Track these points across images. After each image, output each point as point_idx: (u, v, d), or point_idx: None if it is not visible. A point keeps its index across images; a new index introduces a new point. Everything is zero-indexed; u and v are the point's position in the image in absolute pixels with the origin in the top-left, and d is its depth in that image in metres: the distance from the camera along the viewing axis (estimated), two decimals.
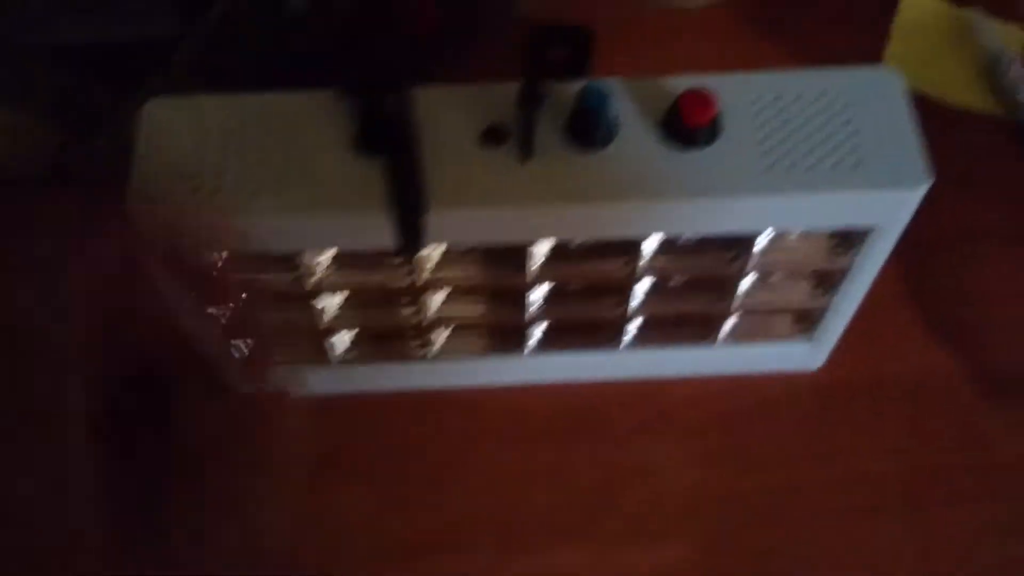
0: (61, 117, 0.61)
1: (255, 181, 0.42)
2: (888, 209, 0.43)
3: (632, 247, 0.46)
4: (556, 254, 0.47)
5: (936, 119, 0.67)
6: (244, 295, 0.44)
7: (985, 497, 0.54)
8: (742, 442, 0.55)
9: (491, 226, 0.43)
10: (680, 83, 0.44)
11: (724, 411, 0.56)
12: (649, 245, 0.47)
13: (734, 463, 0.55)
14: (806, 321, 0.54)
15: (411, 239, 0.40)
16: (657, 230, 0.45)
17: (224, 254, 0.44)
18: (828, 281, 0.50)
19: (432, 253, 0.47)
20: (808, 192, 0.42)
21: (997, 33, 0.70)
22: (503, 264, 0.48)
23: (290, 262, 0.45)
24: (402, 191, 0.40)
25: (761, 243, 0.46)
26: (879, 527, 0.53)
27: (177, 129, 0.44)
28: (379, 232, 0.41)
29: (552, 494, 0.54)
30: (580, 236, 0.45)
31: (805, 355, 0.56)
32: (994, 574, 0.51)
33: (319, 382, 0.55)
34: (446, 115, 0.44)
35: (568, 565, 0.52)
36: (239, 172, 0.42)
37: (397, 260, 0.46)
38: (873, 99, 0.44)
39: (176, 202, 0.42)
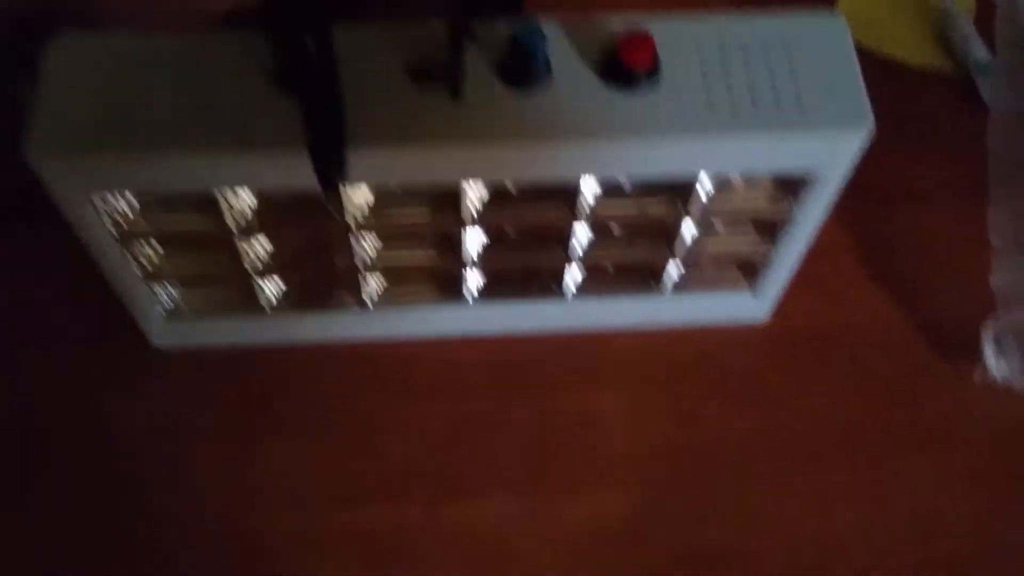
0: None
1: (169, 120, 0.40)
2: (829, 153, 0.43)
3: (571, 192, 0.45)
4: (494, 199, 0.46)
5: (886, 75, 0.67)
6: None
7: (930, 447, 0.54)
8: (685, 393, 0.55)
9: (418, 165, 0.42)
10: (620, 23, 0.43)
11: (667, 362, 0.56)
12: (589, 190, 0.45)
13: (676, 414, 0.54)
14: (750, 271, 0.53)
15: (331, 175, 0.39)
16: (594, 172, 0.43)
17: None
18: (771, 230, 0.49)
19: (364, 196, 0.45)
20: (748, 133, 0.41)
21: None
22: (438, 209, 0.46)
23: (214, 204, 0.44)
24: (321, 126, 0.38)
25: (703, 189, 0.45)
26: (821, 476, 0.53)
27: (84, 69, 0.41)
28: (299, 170, 0.40)
29: (489, 445, 0.53)
30: (514, 178, 0.44)
31: (750, 306, 0.55)
32: (936, 522, 0.51)
33: (251, 332, 0.54)
34: (375, 53, 0.42)
35: (504, 514, 0.51)
36: (151, 111, 0.40)
37: (327, 203, 0.44)
38: (817, 44, 0.43)
39: (78, 143, 0.40)
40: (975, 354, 0.54)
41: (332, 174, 0.39)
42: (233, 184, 0.43)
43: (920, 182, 0.63)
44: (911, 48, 0.68)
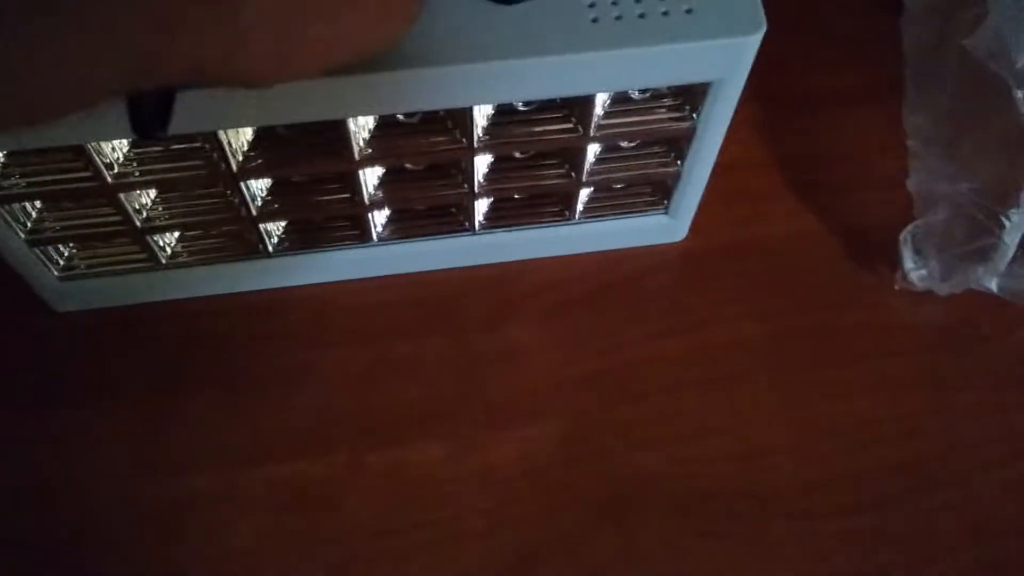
0: None
1: None
2: (725, 60, 0.41)
3: (464, 118, 0.43)
4: (382, 130, 0.44)
5: None
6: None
7: (851, 357, 0.53)
8: (605, 319, 0.54)
9: (292, 101, 0.39)
10: None
11: (587, 290, 0.54)
12: (481, 115, 0.43)
13: (599, 341, 0.53)
14: (662, 191, 0.52)
15: (151, 125, 0.34)
16: (481, 98, 0.41)
17: None
18: (677, 145, 0.48)
19: (245, 137, 0.43)
20: (639, 46, 0.39)
21: None
22: (326, 146, 0.44)
23: (81, 157, 0.41)
24: None
25: (600, 108, 0.43)
26: (746, 393, 0.52)
27: None
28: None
29: (410, 388, 0.52)
30: (396, 109, 0.42)
31: (666, 227, 0.54)
32: (868, 431, 0.51)
33: (152, 290, 0.51)
34: None
35: (431, 457, 0.50)
36: None
37: (201, 147, 0.42)
38: None
39: None
40: (895, 262, 0.53)
41: (152, 123, 0.34)
42: (90, 139, 0.40)
43: (837, 86, 0.61)
44: None
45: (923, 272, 0.52)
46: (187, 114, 0.33)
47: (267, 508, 0.48)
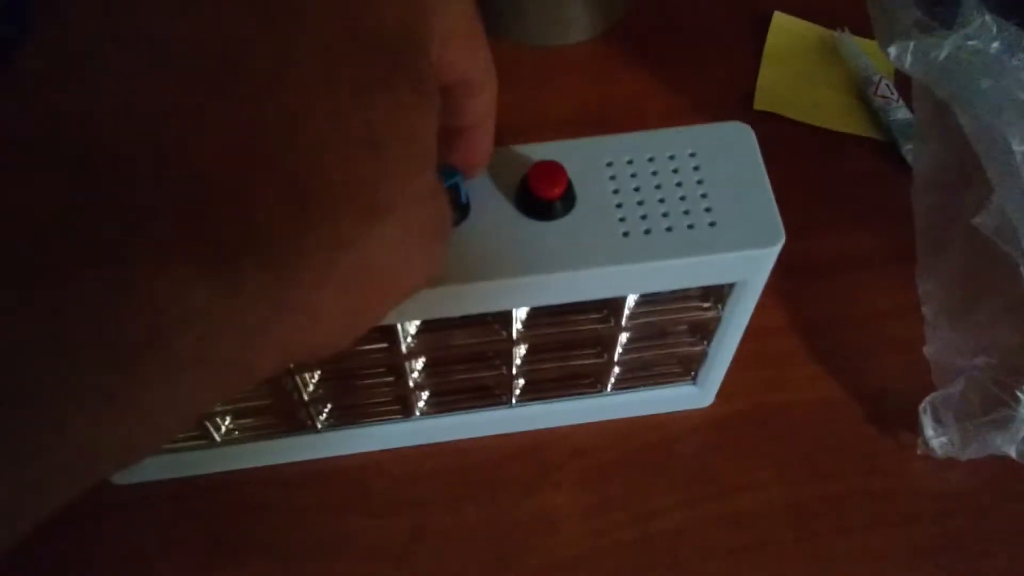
0: None
1: None
2: (747, 266, 0.44)
3: (504, 316, 0.46)
4: (427, 327, 0.47)
5: (811, 144, 0.69)
6: None
7: (877, 523, 0.55)
8: (637, 486, 0.56)
9: None
10: (531, 151, 0.44)
11: (617, 457, 0.57)
12: (520, 313, 0.46)
13: (630, 508, 0.55)
14: (689, 365, 0.54)
15: None
16: (520, 304, 0.44)
17: None
18: (703, 330, 0.50)
19: None
20: (666, 259, 0.42)
21: (865, 53, 0.71)
22: (375, 340, 0.47)
23: None
24: None
25: (630, 305, 0.46)
26: (771, 561, 0.54)
27: None
28: None
29: (449, 557, 0.53)
30: (444, 315, 0.45)
31: (693, 395, 0.56)
32: None
33: (203, 463, 0.54)
34: None
35: None
36: None
37: None
38: (725, 155, 0.45)
39: None
40: (917, 427, 0.55)
41: None
42: None
43: (853, 251, 0.64)
44: (835, 115, 0.69)
45: (944, 440, 0.54)
46: None
47: None
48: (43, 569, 0.53)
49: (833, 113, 0.69)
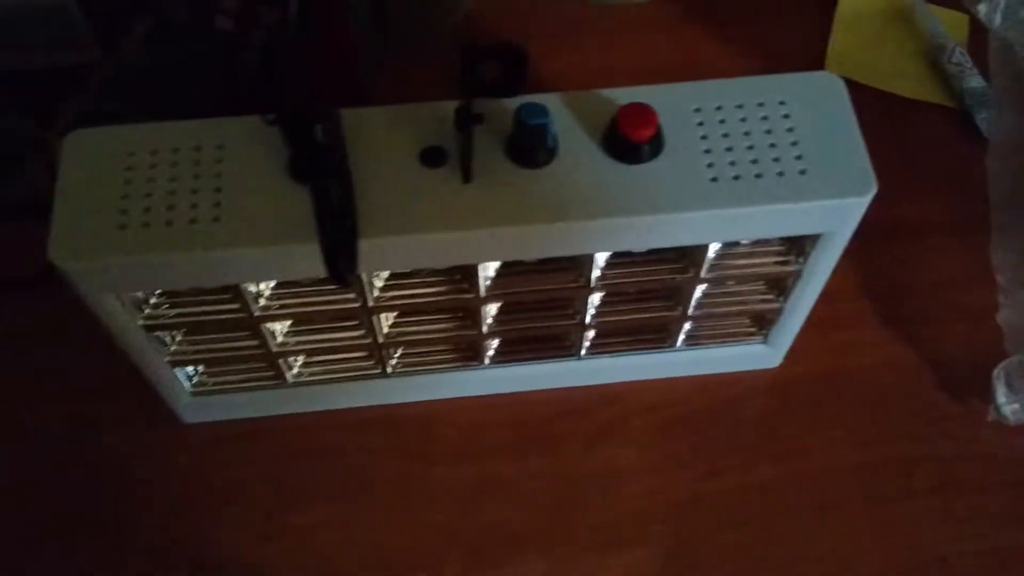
0: None
1: (186, 214, 0.41)
2: (836, 216, 0.43)
3: (583, 261, 0.46)
4: (506, 271, 0.47)
5: (884, 110, 0.68)
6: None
7: (945, 488, 0.54)
8: (703, 444, 0.55)
9: (434, 251, 0.42)
10: (619, 95, 0.44)
11: (684, 414, 0.56)
12: (600, 258, 0.46)
13: (695, 466, 0.55)
14: (762, 323, 0.54)
15: (343, 269, 0.39)
16: (604, 248, 0.44)
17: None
18: (781, 285, 0.50)
19: (378, 277, 0.46)
20: (756, 205, 0.42)
21: (939, 20, 0.70)
22: (453, 284, 0.47)
23: (231, 291, 0.45)
24: (332, 221, 0.39)
25: (712, 253, 0.46)
26: (841, 522, 0.53)
27: (100, 161, 0.42)
28: (315, 262, 0.41)
29: (513, 507, 0.54)
30: (527, 256, 0.45)
31: (763, 355, 0.56)
32: (955, 566, 0.52)
33: (274, 404, 0.54)
34: (385, 137, 0.43)
35: None
36: (168, 205, 0.41)
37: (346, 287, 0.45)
38: (815, 104, 0.44)
39: (101, 246, 0.40)
40: (987, 394, 0.54)
41: (343, 268, 0.39)
42: (254, 279, 0.43)
43: (924, 218, 0.63)
44: (907, 82, 0.69)
45: (1016, 407, 0.53)
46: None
47: None
48: (111, 506, 0.53)
49: (904, 79, 0.68)
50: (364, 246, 0.41)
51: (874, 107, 0.68)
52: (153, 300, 0.45)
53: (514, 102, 0.42)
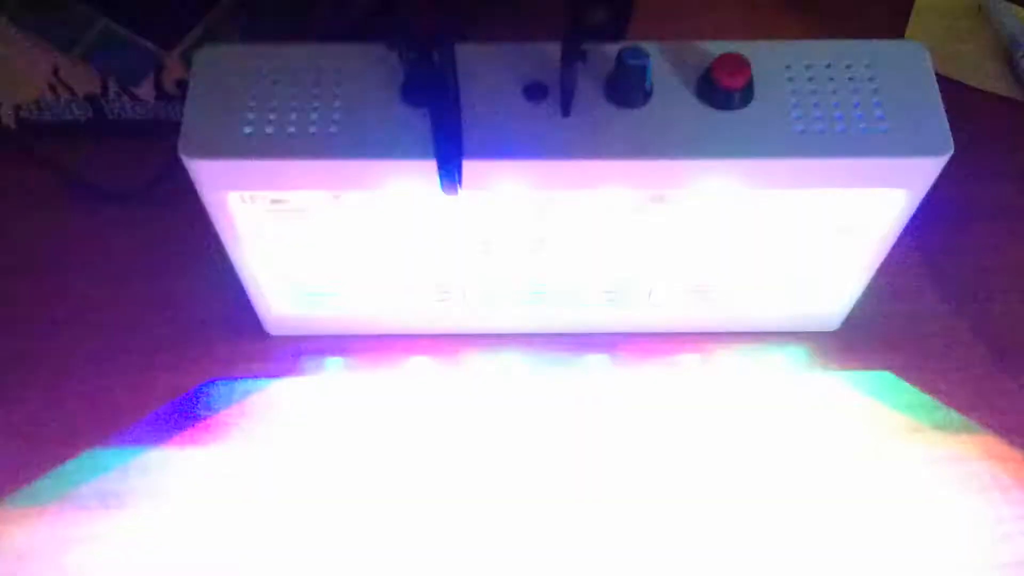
0: (104, 63, 0.63)
1: (307, 126, 0.44)
2: (913, 175, 0.46)
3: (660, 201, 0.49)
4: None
5: (954, 100, 0.69)
6: None
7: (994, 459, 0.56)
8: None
9: (529, 176, 0.45)
10: (714, 48, 0.46)
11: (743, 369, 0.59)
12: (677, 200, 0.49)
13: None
14: (826, 281, 0.56)
15: (451, 184, 0.43)
16: (692, 187, 0.47)
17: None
18: (848, 242, 0.52)
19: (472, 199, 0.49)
20: (837, 157, 0.44)
21: (1014, 15, 0.71)
22: (535, 214, 0.50)
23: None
24: (443, 140, 0.42)
25: (782, 204, 0.49)
26: None
27: (227, 76, 0.45)
28: (425, 176, 0.44)
29: None
30: (616, 189, 0.47)
31: (824, 315, 0.58)
32: None
33: (359, 325, 0.58)
34: (492, 71, 0.46)
35: None
36: (289, 117, 0.44)
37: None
38: (900, 70, 0.46)
39: (226, 145, 0.44)
40: None
41: (451, 185, 0.43)
42: (361, 188, 0.47)
43: (988, 204, 0.65)
44: (979, 74, 0.70)
45: None
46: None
47: None
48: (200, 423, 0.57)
49: (980, 73, 0.70)
50: (467, 166, 0.43)
51: (945, 95, 0.70)
52: (262, 206, 0.48)
53: (616, 46, 0.45)
